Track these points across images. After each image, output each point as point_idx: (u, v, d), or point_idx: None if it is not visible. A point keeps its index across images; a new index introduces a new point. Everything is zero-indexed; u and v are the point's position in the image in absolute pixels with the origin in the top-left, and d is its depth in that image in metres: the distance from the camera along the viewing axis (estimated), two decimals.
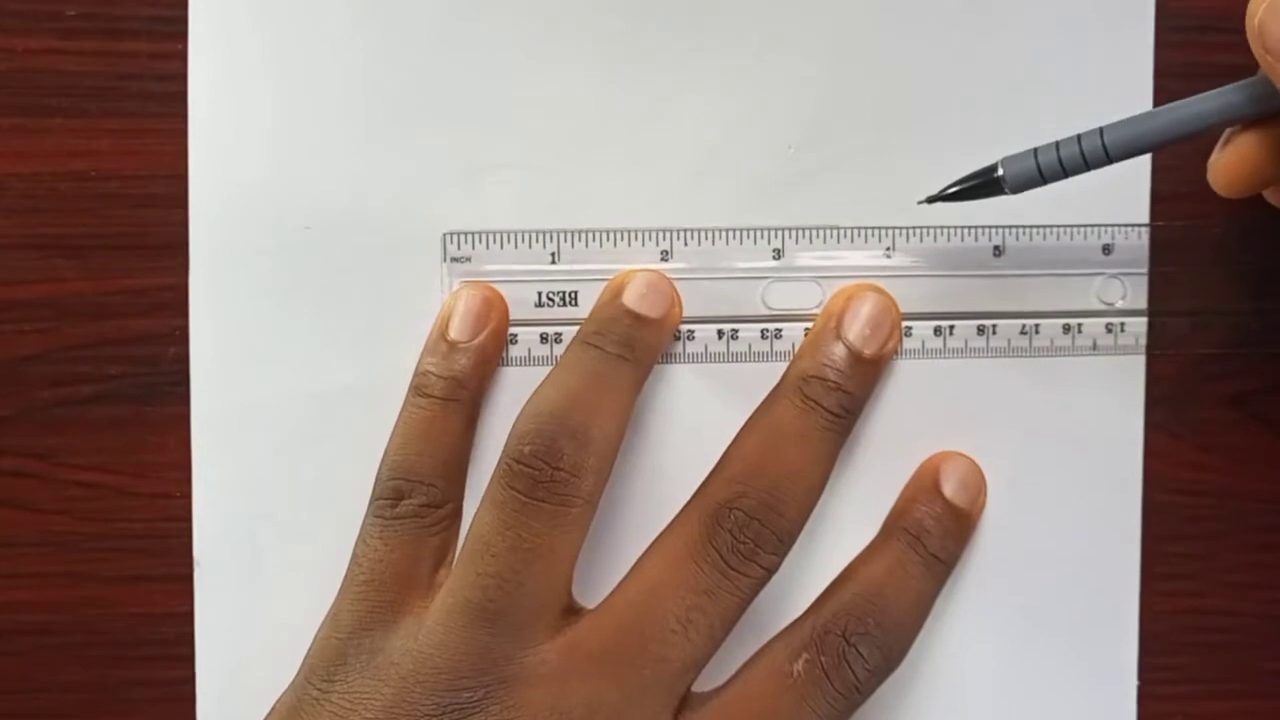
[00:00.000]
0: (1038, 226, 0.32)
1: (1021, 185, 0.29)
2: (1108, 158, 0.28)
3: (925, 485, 0.31)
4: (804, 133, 0.32)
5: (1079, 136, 0.28)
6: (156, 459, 0.32)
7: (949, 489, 0.31)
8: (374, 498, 0.30)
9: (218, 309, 0.31)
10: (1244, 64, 0.32)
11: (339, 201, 0.31)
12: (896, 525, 0.31)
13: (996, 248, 0.32)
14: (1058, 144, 0.28)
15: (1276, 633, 0.33)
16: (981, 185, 0.29)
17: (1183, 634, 0.33)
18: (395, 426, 0.30)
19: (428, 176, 0.31)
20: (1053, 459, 0.32)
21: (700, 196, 0.32)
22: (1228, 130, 0.28)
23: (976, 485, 0.32)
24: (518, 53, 0.31)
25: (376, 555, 0.29)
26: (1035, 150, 0.28)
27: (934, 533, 0.31)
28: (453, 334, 0.31)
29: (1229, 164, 0.28)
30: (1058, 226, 0.32)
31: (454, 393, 0.30)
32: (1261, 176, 0.28)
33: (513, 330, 0.31)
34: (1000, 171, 0.29)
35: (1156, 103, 0.32)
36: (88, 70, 0.31)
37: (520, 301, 0.31)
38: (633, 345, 0.30)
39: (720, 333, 0.32)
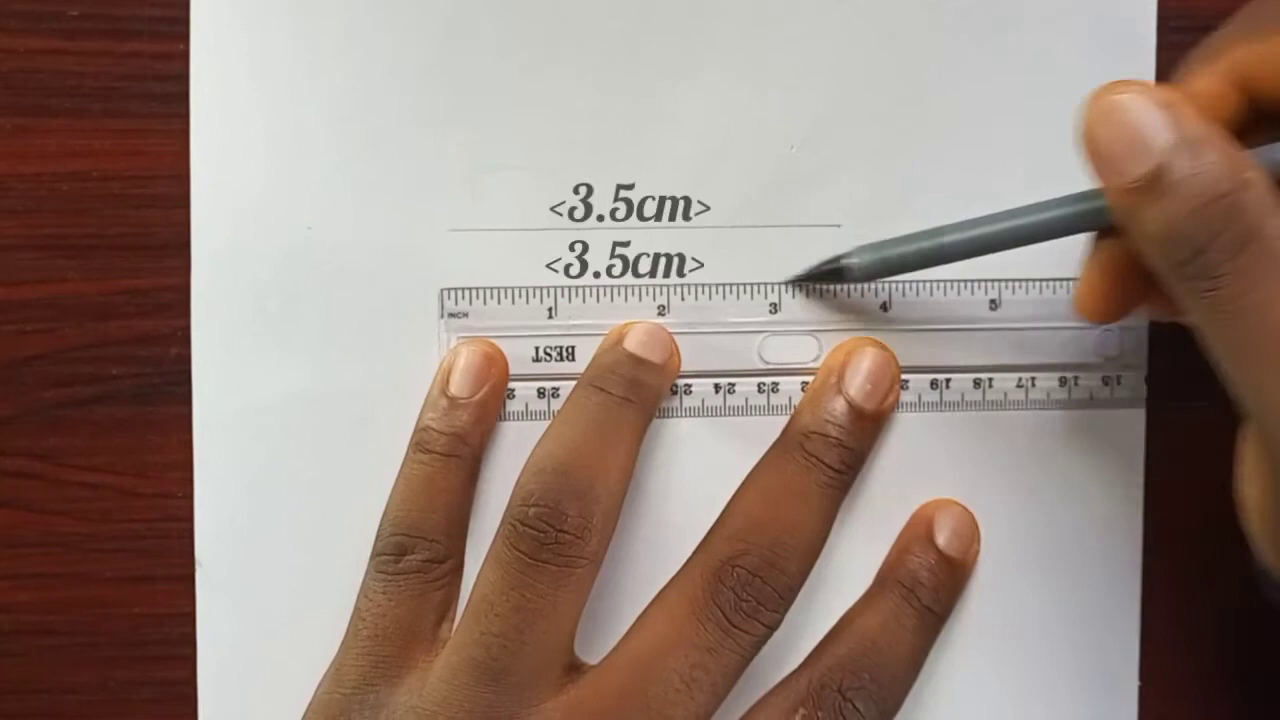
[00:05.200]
0: (1034, 280, 0.32)
1: (867, 276, 0.30)
2: (946, 258, 0.29)
3: (918, 535, 0.31)
4: (806, 134, 0.32)
5: (923, 235, 0.29)
6: (158, 459, 0.32)
7: (942, 539, 0.31)
8: (375, 553, 0.30)
9: (220, 309, 0.31)
10: None
11: (341, 201, 0.31)
12: (890, 577, 0.31)
13: (993, 301, 0.32)
14: (903, 239, 0.29)
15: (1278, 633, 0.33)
16: (831, 273, 0.30)
17: (1185, 635, 0.33)
18: (396, 482, 0.31)
19: (430, 175, 0.31)
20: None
21: (701, 198, 0.32)
22: (1083, 261, 0.28)
23: (970, 534, 0.32)
24: (519, 53, 0.31)
25: (380, 610, 0.29)
26: (882, 244, 0.29)
27: (927, 584, 0.31)
28: (453, 390, 0.31)
29: (1081, 296, 0.28)
30: (1054, 280, 0.32)
31: (456, 449, 0.30)
32: (1119, 304, 0.28)
33: (510, 385, 0.31)
34: (852, 260, 0.30)
35: None
36: (90, 70, 0.31)
37: (517, 357, 0.31)
38: (637, 388, 0.30)
39: (717, 386, 0.32)
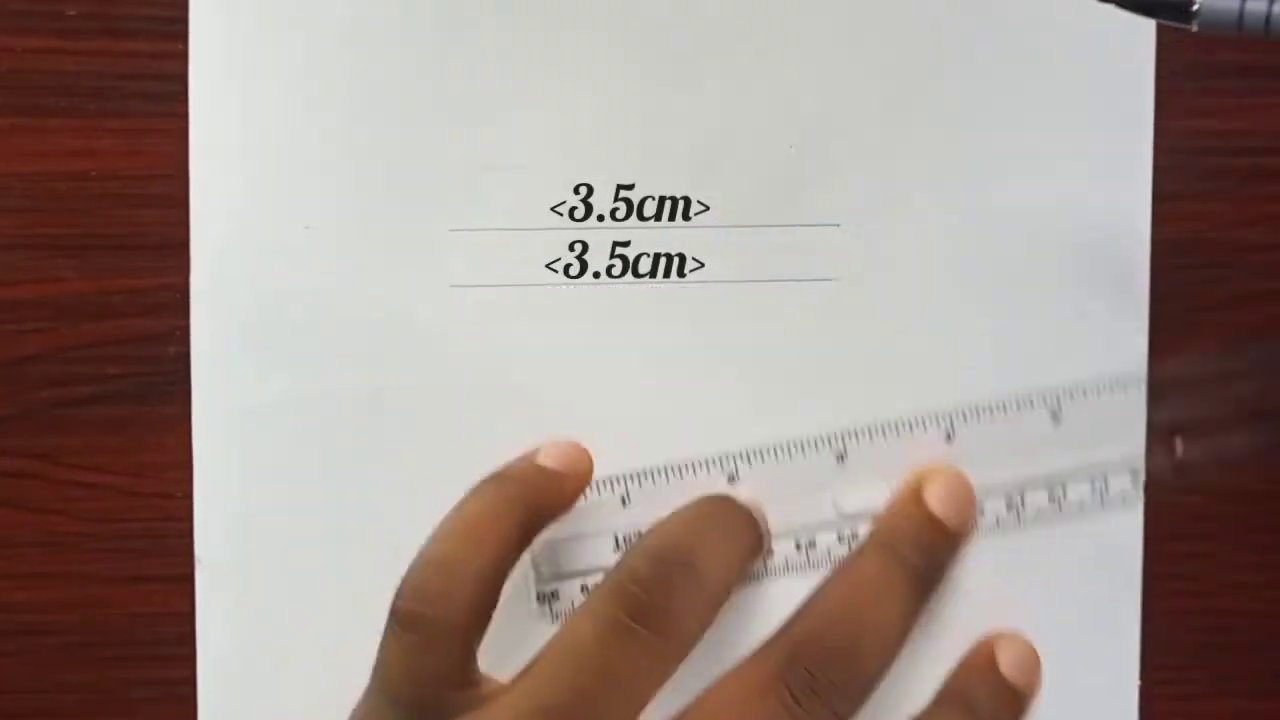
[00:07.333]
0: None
1: (1214, 24, 0.25)
2: None
3: (980, 662, 0.31)
4: (805, 133, 0.32)
5: None
6: (157, 459, 0.32)
7: (1005, 666, 0.30)
8: (391, 609, 0.28)
9: (218, 309, 0.31)
10: (1246, 63, 0.32)
11: (340, 201, 0.31)
12: (951, 697, 0.30)
13: (1054, 413, 0.32)
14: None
15: (1279, 632, 0.33)
16: (1170, 5, 0.26)
17: (1185, 633, 0.33)
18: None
19: (429, 175, 0.31)
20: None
21: (701, 198, 0.32)
22: None
23: (1032, 665, 0.31)
24: (518, 52, 0.31)
25: (403, 663, 0.27)
26: None
27: (987, 708, 0.30)
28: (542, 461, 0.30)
29: None
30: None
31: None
32: None
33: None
34: (1196, 6, 0.25)
35: (1158, 104, 0.32)
36: (88, 70, 0.31)
37: (598, 551, 0.31)
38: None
39: (798, 544, 0.31)
